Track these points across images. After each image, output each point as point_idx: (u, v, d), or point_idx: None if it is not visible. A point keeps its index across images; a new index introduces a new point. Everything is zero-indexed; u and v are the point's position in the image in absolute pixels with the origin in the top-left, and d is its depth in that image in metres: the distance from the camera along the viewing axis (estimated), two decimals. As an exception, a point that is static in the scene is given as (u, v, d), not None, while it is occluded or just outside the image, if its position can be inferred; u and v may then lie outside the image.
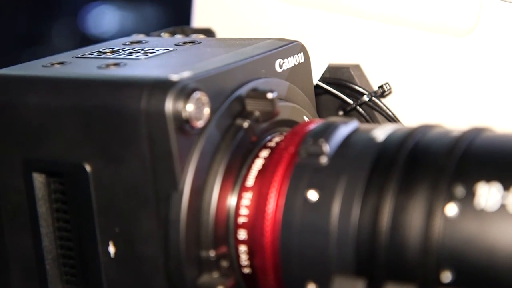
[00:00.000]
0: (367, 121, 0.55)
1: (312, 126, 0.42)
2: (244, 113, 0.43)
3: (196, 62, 0.44)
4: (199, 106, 0.41)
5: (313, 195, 0.40)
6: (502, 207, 0.36)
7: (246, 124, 0.43)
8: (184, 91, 0.40)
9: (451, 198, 0.37)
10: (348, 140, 0.41)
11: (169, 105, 0.40)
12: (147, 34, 0.58)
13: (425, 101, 0.55)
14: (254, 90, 0.43)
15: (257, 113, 0.43)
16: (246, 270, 0.42)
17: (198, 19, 0.62)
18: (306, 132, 0.42)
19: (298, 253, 0.40)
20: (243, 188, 0.42)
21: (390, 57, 0.56)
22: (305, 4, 0.58)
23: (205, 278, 0.41)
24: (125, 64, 0.45)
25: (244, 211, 0.42)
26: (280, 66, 0.47)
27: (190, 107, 0.40)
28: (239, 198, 0.42)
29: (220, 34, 0.60)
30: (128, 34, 0.58)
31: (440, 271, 0.36)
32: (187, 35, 0.58)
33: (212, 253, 0.41)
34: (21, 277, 0.46)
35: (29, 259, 0.45)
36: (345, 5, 0.56)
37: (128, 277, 0.42)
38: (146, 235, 0.41)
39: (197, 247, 0.41)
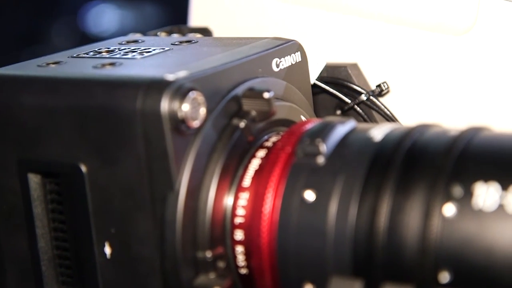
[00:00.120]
0: (365, 120, 0.55)
1: (309, 126, 0.42)
2: (240, 113, 0.43)
3: (192, 61, 0.44)
4: (195, 106, 0.40)
5: (310, 195, 0.40)
6: (500, 207, 0.36)
7: (242, 124, 0.43)
8: (180, 91, 0.40)
9: (449, 198, 0.36)
10: (345, 140, 0.41)
11: (165, 105, 0.40)
12: (145, 33, 0.58)
13: (423, 100, 0.55)
14: (251, 89, 0.43)
15: (253, 113, 0.43)
16: (243, 271, 0.42)
17: (195, 18, 0.62)
18: (303, 132, 0.42)
19: (295, 254, 0.40)
20: (239, 188, 0.42)
21: (388, 56, 0.55)
22: (302, 3, 0.58)
23: (201, 279, 0.41)
24: (120, 64, 0.45)
25: (240, 211, 0.42)
26: (277, 66, 0.47)
27: (186, 107, 0.40)
28: (236, 198, 0.42)
29: (217, 33, 0.60)
30: (127, 33, 0.58)
31: (438, 271, 0.36)
32: (183, 34, 0.58)
33: (208, 254, 0.41)
34: (17, 278, 0.46)
35: (24, 260, 0.45)
36: (343, 4, 0.56)
37: (124, 277, 0.42)
38: (142, 235, 0.41)
39: (193, 248, 0.41)
